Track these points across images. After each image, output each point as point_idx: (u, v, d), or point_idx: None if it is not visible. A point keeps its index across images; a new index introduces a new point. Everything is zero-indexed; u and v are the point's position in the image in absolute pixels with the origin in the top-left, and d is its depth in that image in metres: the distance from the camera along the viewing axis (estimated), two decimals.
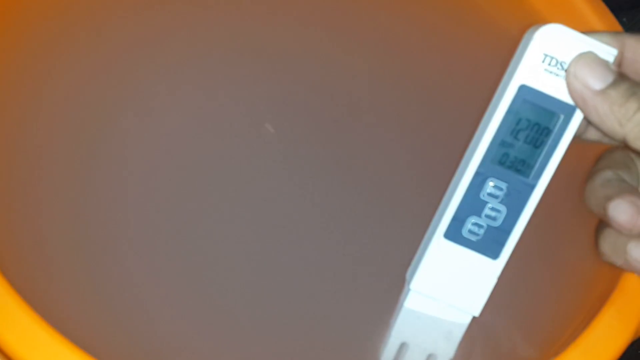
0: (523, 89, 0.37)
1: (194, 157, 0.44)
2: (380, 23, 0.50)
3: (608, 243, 0.38)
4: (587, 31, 0.36)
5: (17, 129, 0.43)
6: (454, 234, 0.39)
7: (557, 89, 0.36)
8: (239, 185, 0.44)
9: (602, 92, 0.35)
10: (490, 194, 0.38)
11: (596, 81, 0.35)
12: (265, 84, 0.47)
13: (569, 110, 0.37)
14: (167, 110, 0.45)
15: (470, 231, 0.39)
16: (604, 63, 0.35)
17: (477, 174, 0.38)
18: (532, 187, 0.38)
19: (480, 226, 0.38)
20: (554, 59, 0.36)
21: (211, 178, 0.44)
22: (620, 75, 0.35)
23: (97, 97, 0.45)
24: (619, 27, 0.47)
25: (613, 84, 0.35)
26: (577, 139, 0.38)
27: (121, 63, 0.46)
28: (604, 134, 0.35)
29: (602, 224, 0.38)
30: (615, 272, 0.39)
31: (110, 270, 0.40)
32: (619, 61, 0.37)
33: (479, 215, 0.38)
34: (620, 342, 0.37)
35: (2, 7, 0.46)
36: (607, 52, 0.36)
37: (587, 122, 0.38)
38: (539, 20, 0.37)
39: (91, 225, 0.41)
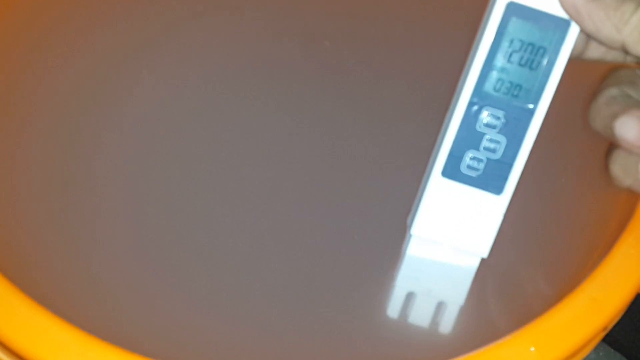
0: (511, 6, 0.34)
1: (188, 149, 0.43)
2: None
3: (619, 165, 0.35)
4: None
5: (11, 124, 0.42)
6: (452, 171, 0.36)
7: (547, 3, 0.34)
8: (226, 147, 0.43)
9: None
10: (487, 125, 0.36)
11: None
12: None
13: (562, 25, 0.34)
14: (161, 103, 0.44)
15: (469, 167, 0.36)
16: None
17: (471, 103, 0.35)
18: (531, 112, 0.35)
19: (479, 160, 0.36)
20: None
21: (204, 164, 0.42)
22: None
23: (92, 92, 0.44)
24: None
25: None
26: (577, 59, 0.36)
27: (117, 59, 0.45)
28: (602, 43, 0.33)
29: (612, 146, 0.35)
30: (631, 200, 0.37)
31: (105, 261, 0.39)
32: None
33: (477, 149, 0.36)
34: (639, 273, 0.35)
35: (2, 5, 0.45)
36: None
37: (585, 39, 0.35)
38: None
39: (85, 217, 0.40)
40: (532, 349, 0.33)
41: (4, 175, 0.41)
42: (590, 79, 0.38)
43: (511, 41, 0.35)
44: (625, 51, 0.32)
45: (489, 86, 0.35)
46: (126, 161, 0.42)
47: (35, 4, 0.46)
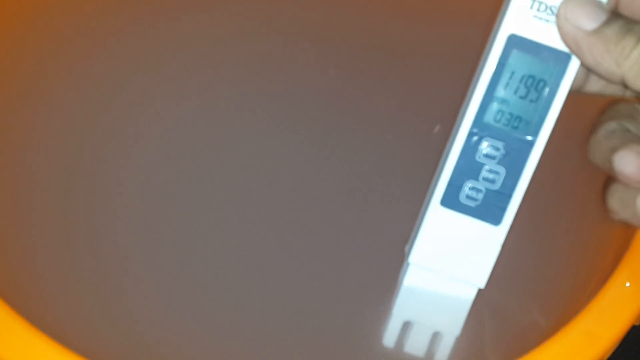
0: (512, 38, 0.34)
1: (187, 155, 0.43)
2: None
3: (616, 198, 0.35)
4: None
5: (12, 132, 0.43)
6: (451, 200, 0.36)
7: (548, 36, 0.34)
8: (230, 173, 0.43)
9: (596, 31, 0.32)
10: (486, 155, 0.36)
11: (589, 21, 0.32)
12: (258, 68, 0.46)
13: (563, 58, 0.34)
14: (161, 109, 0.45)
15: (468, 196, 0.36)
16: (595, 2, 0.33)
17: (471, 134, 0.35)
18: (530, 144, 0.35)
19: (478, 190, 0.36)
20: (543, 4, 0.34)
21: (203, 174, 0.43)
22: (614, 13, 0.33)
23: (88, 97, 0.44)
24: None
25: (607, 22, 0.32)
26: (577, 92, 0.36)
27: (118, 63, 0.46)
28: (602, 78, 0.33)
29: (610, 179, 0.36)
30: (627, 233, 0.37)
31: (103, 271, 0.39)
32: (615, 4, 0.35)
33: (476, 179, 0.36)
34: (634, 305, 0.35)
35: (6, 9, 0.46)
36: None
37: (585, 72, 0.35)
38: None
39: (82, 227, 0.40)
40: None
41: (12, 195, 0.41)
42: (589, 111, 0.38)
43: (512, 73, 0.35)
44: (624, 85, 0.32)
45: (489, 117, 0.35)
46: (130, 176, 0.42)
47: (38, 24, 0.47)
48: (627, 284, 0.36)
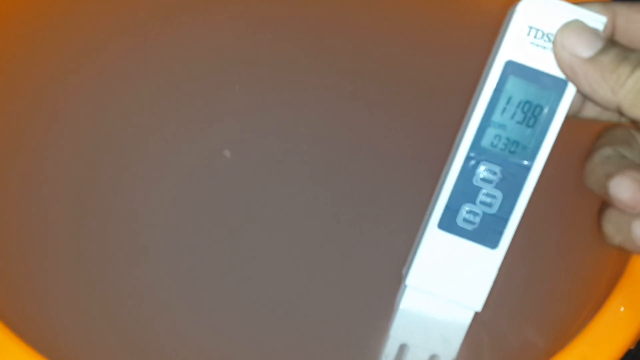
0: (510, 64, 0.35)
1: (193, 164, 0.44)
2: (362, 19, 0.49)
3: (611, 224, 0.35)
4: (576, 2, 0.35)
5: (17, 134, 0.43)
6: (448, 223, 0.37)
7: (545, 63, 0.35)
8: (233, 189, 0.43)
9: (592, 59, 0.33)
10: (483, 179, 0.36)
11: (585, 49, 0.33)
12: (261, 85, 0.47)
13: (560, 85, 0.35)
14: (165, 120, 0.45)
15: (465, 220, 0.36)
16: (591, 30, 0.33)
17: (468, 158, 0.36)
18: (527, 169, 0.36)
19: (475, 214, 0.36)
20: (540, 31, 0.34)
21: (208, 182, 0.43)
22: (610, 41, 0.33)
23: (95, 105, 0.45)
24: None
25: (603, 50, 0.33)
26: (573, 117, 0.37)
27: (121, 67, 0.46)
28: (598, 104, 0.34)
29: (605, 204, 0.36)
30: (622, 257, 0.37)
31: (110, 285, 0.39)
32: (611, 31, 0.35)
33: (474, 202, 0.36)
34: (629, 330, 0.35)
35: (5, 8, 0.46)
36: (596, 19, 0.34)
37: (582, 98, 0.36)
38: None
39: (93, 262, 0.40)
40: None
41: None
42: (585, 136, 0.38)
43: (509, 98, 0.35)
44: (620, 113, 0.33)
45: (486, 142, 0.36)
46: (130, 180, 0.43)
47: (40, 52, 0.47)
48: (622, 309, 0.36)
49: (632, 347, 0.36)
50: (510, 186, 0.36)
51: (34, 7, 0.47)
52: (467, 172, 0.36)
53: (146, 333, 0.38)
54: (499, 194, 0.36)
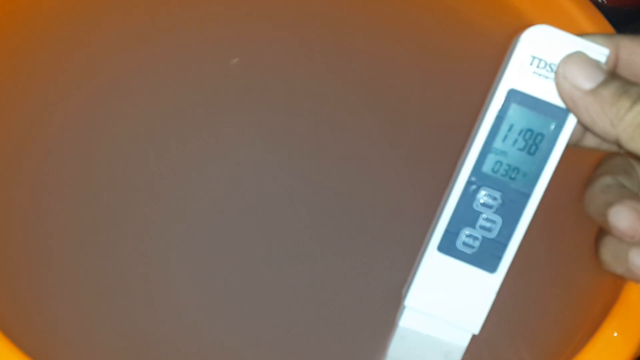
0: (512, 93, 0.35)
1: (199, 167, 0.44)
2: (363, 45, 0.49)
3: (609, 251, 0.36)
4: (579, 34, 0.35)
5: (21, 136, 0.43)
6: (447, 246, 0.37)
7: (547, 92, 0.35)
8: (236, 201, 0.44)
9: (593, 91, 0.33)
10: (483, 204, 0.37)
11: (586, 81, 0.33)
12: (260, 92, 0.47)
13: (561, 114, 0.35)
14: (168, 125, 0.45)
15: (464, 243, 0.37)
16: (594, 62, 0.34)
17: (469, 183, 0.36)
18: (527, 195, 0.36)
19: (475, 238, 0.37)
20: (543, 61, 0.35)
21: (211, 189, 0.44)
22: (612, 74, 0.34)
23: (98, 105, 0.45)
24: (611, 30, 0.46)
25: (604, 83, 0.33)
26: (574, 146, 0.37)
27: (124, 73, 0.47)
28: (597, 136, 0.34)
29: (603, 231, 0.37)
30: (617, 283, 0.38)
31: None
32: (614, 63, 0.36)
33: (473, 227, 0.37)
34: (622, 356, 0.36)
35: (8, 10, 0.46)
36: (598, 51, 0.34)
37: (583, 128, 0.36)
38: (528, 25, 0.36)
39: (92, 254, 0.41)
40: None
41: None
42: (584, 163, 0.39)
43: (511, 126, 0.36)
44: (619, 145, 0.33)
45: (487, 167, 0.36)
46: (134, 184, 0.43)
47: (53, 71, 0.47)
48: (615, 334, 0.36)
49: None
50: (510, 212, 0.37)
51: (34, 10, 0.48)
52: (468, 196, 0.37)
53: (148, 336, 0.39)
54: (498, 219, 0.37)
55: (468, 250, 0.37)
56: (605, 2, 0.60)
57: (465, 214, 0.37)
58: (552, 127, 0.35)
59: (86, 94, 0.46)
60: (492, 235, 0.37)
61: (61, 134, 0.44)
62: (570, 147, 0.36)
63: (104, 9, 0.48)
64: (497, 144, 0.36)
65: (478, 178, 0.36)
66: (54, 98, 0.45)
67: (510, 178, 0.36)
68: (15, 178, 0.42)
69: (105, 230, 0.42)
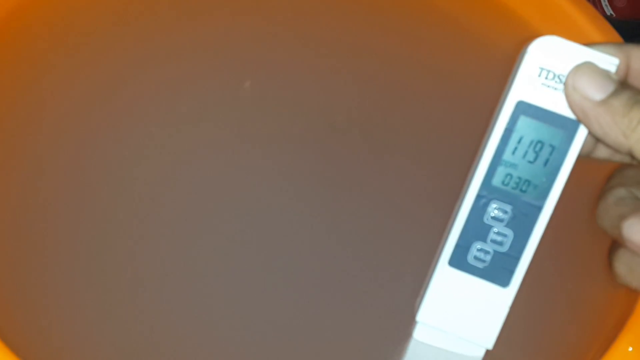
0: (521, 105, 0.35)
1: (199, 171, 0.44)
2: (373, 59, 0.49)
3: (623, 264, 0.36)
4: (589, 44, 0.35)
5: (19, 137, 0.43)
6: (459, 261, 0.37)
7: (556, 104, 0.35)
8: (242, 204, 0.43)
9: (604, 102, 0.33)
10: (494, 218, 0.36)
11: (596, 91, 0.33)
12: (267, 103, 0.47)
13: (571, 125, 0.35)
14: (169, 127, 0.45)
15: (476, 257, 0.37)
16: (603, 72, 0.33)
17: (479, 196, 0.36)
18: (538, 208, 0.36)
19: (486, 252, 0.37)
20: (551, 72, 0.34)
21: (215, 191, 0.44)
22: (622, 84, 0.33)
23: (98, 112, 0.45)
24: (619, 39, 0.46)
25: (614, 93, 0.33)
26: (586, 157, 0.37)
27: (124, 76, 0.46)
28: (610, 147, 0.34)
29: (616, 244, 0.36)
30: (631, 296, 0.37)
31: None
32: (625, 73, 0.35)
33: (484, 241, 0.36)
34: None
35: (8, 17, 0.46)
36: (608, 61, 0.34)
37: (594, 139, 0.36)
38: (535, 36, 0.36)
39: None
40: None
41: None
42: (596, 175, 0.39)
43: (520, 138, 0.35)
44: (632, 156, 0.33)
45: (497, 180, 0.36)
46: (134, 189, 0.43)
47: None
48: (630, 349, 0.36)
49: None
50: (521, 225, 0.36)
51: (34, 12, 0.48)
52: (478, 210, 0.36)
53: (148, 336, 0.39)
54: (510, 233, 0.36)
55: (479, 265, 0.37)
56: (614, 15, 0.60)
57: (476, 228, 0.36)
58: (563, 138, 0.35)
59: (86, 93, 0.46)
60: (504, 249, 0.36)
61: (56, 136, 0.44)
62: (582, 158, 0.36)
63: (106, 16, 0.49)
64: (507, 156, 0.36)
65: (488, 191, 0.36)
66: (50, 98, 0.45)
67: (521, 191, 0.36)
68: (11, 179, 0.42)
69: (102, 231, 0.41)
